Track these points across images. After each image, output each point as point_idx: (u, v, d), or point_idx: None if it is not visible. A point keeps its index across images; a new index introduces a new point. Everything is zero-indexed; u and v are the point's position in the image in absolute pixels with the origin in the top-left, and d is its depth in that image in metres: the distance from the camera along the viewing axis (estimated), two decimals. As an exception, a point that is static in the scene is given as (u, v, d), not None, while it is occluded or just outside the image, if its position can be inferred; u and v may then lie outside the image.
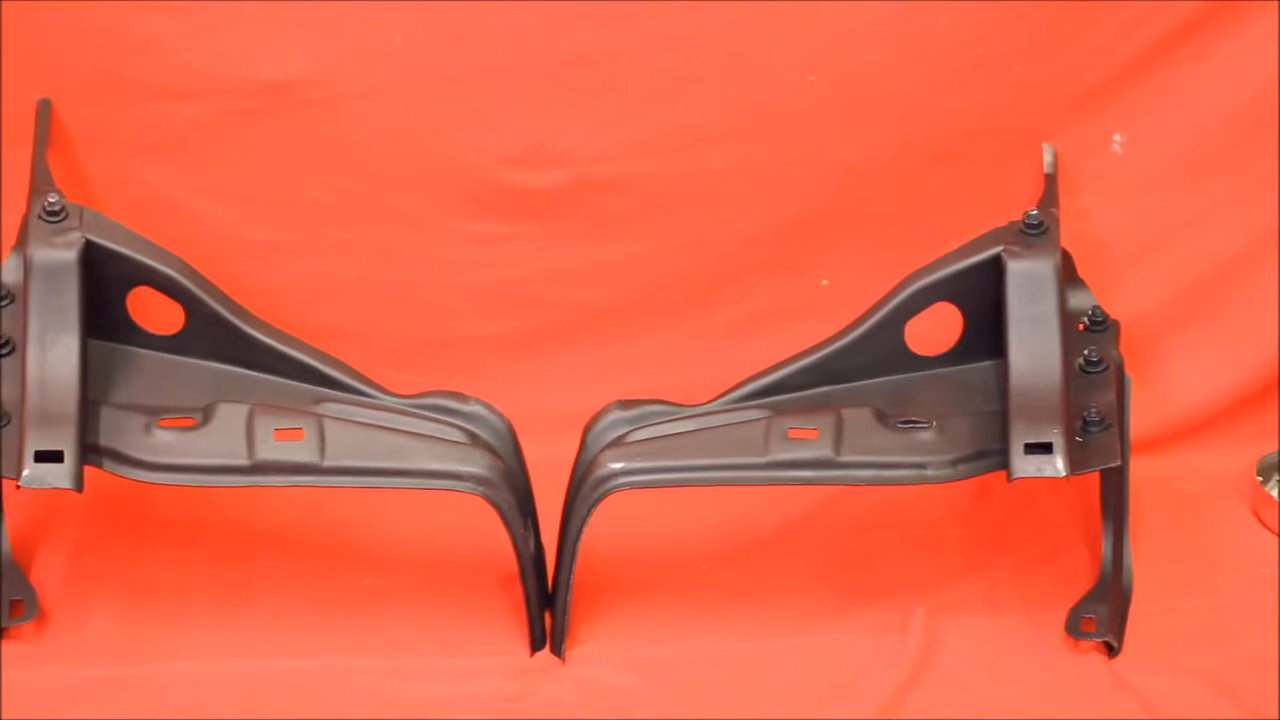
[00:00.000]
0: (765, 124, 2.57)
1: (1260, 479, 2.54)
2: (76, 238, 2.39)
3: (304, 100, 2.54)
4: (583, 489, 2.38)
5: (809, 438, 2.36)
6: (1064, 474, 2.32)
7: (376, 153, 2.57)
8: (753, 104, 2.56)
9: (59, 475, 2.30)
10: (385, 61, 2.54)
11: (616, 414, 2.44)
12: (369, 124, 2.56)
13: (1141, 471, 2.48)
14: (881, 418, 2.39)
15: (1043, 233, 2.43)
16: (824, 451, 2.36)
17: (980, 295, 2.42)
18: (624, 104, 2.56)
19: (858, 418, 2.38)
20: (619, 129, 2.57)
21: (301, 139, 2.56)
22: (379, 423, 2.39)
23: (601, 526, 2.39)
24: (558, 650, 2.40)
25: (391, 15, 2.53)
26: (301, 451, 2.34)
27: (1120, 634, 2.39)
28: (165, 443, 2.35)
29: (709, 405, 2.45)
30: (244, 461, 2.34)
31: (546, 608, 2.41)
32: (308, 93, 2.54)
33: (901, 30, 2.54)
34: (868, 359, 2.45)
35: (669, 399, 2.46)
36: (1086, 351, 2.41)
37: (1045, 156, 2.57)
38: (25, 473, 2.30)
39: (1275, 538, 2.51)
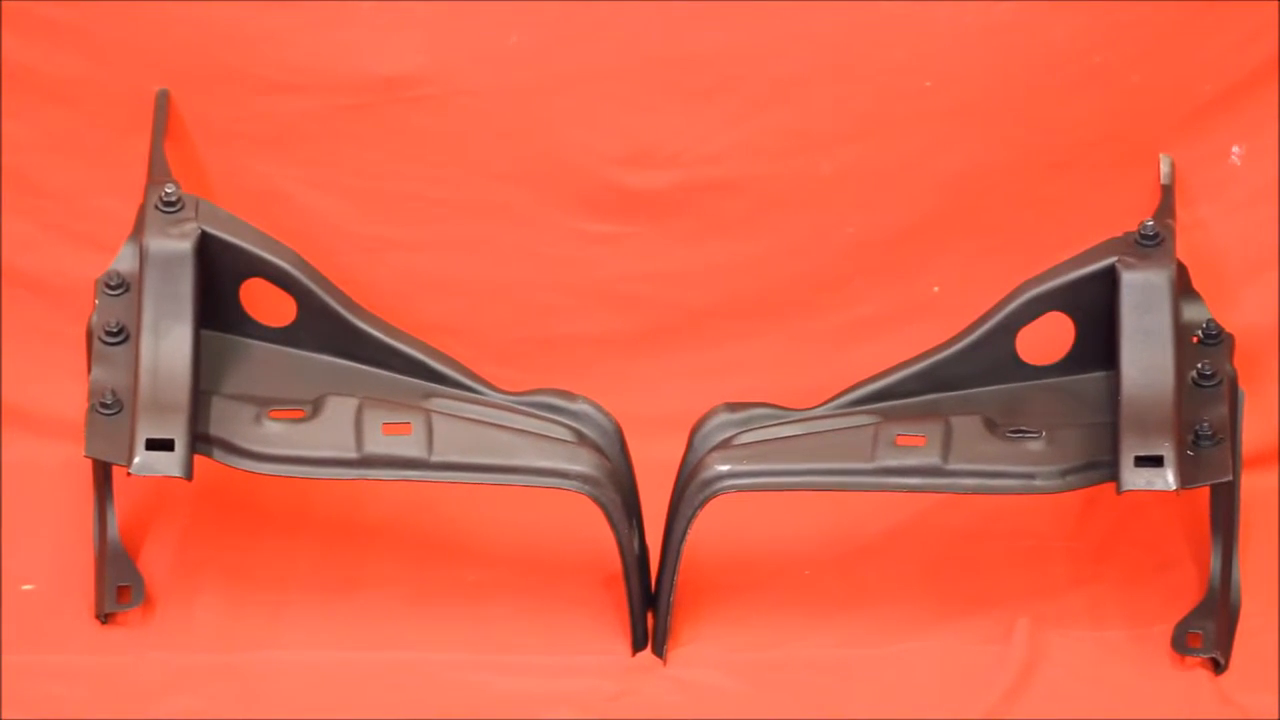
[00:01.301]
0: (878, 128, 2.56)
1: (1373, 497, 2.52)
2: (192, 228, 2.40)
3: (418, 96, 2.55)
4: (688, 490, 2.38)
5: (917, 445, 2.35)
6: (1174, 488, 2.30)
7: (488, 150, 2.58)
8: (866, 108, 2.56)
9: (169, 463, 2.32)
10: (499, 59, 2.55)
11: (724, 416, 2.44)
12: (482, 121, 2.56)
13: (1253, 487, 2.46)
14: (991, 426, 2.38)
15: (1158, 244, 2.41)
16: (932, 459, 2.35)
17: (1093, 305, 2.41)
18: (736, 106, 2.56)
19: (967, 426, 2.37)
20: (731, 131, 2.57)
21: (415, 135, 2.57)
22: (487, 419, 2.40)
23: (706, 528, 2.38)
24: (659, 651, 2.40)
25: (506, 14, 2.53)
26: (409, 446, 2.35)
27: (1228, 651, 2.37)
28: (275, 434, 2.36)
29: (817, 410, 2.44)
30: (352, 454, 2.35)
31: (649, 608, 2.41)
32: (421, 89, 2.55)
33: (1018, 37, 2.53)
34: (978, 367, 2.43)
35: (777, 402, 2.46)
36: (1200, 365, 2.39)
37: (1162, 167, 2.55)
38: (136, 460, 2.32)
39: (1387, 557, 2.49)
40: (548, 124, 2.57)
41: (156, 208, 2.42)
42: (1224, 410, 2.37)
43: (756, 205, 2.59)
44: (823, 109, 2.56)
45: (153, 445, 2.32)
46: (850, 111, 2.56)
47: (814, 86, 2.55)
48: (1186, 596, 2.42)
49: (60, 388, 2.56)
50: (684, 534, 2.37)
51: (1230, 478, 2.34)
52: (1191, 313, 2.42)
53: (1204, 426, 2.35)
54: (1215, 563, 2.41)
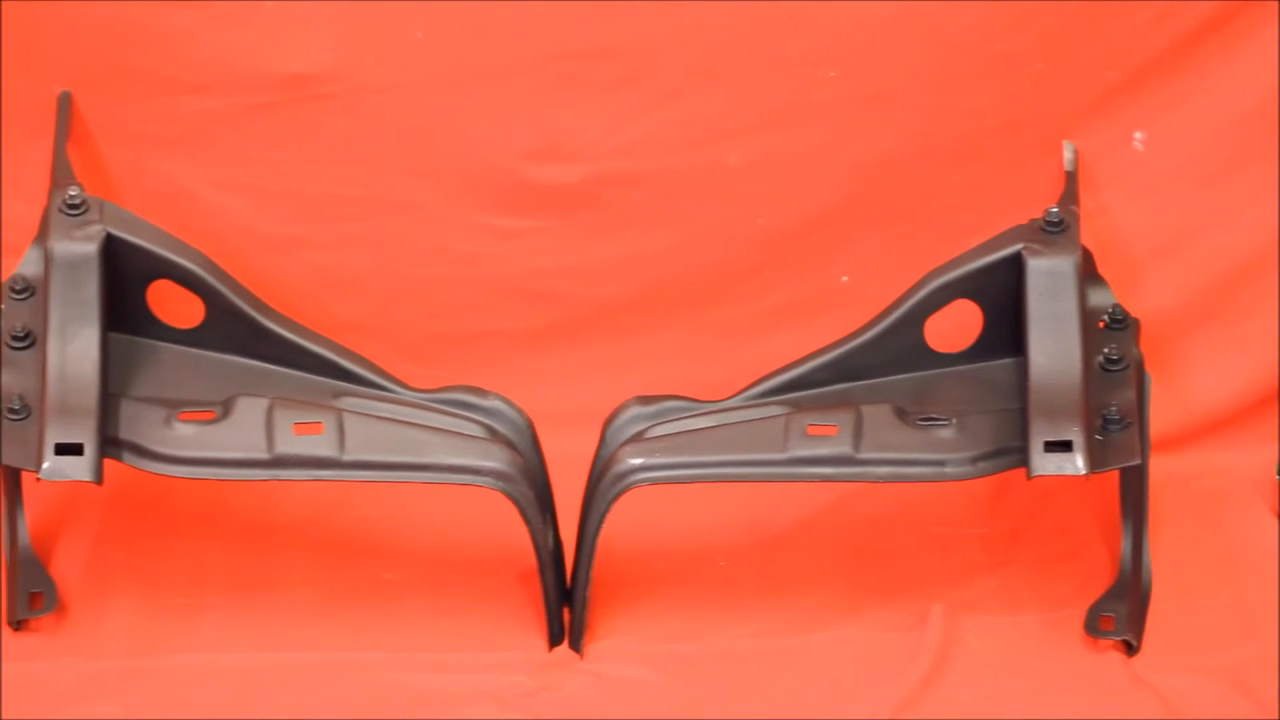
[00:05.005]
0: (785, 119, 2.57)
1: (1280, 477, 2.55)
2: (97, 231, 2.39)
3: (323, 94, 2.55)
4: (602, 484, 2.38)
5: (828, 434, 2.36)
6: (1083, 472, 2.32)
7: (395, 147, 2.57)
8: (772, 99, 2.56)
9: (79, 468, 2.31)
10: (404, 56, 2.54)
11: (636, 409, 2.44)
12: (388, 118, 2.56)
13: (1161, 470, 2.47)
14: (901, 415, 2.39)
15: (1063, 230, 2.43)
16: (843, 448, 2.36)
17: (1000, 292, 2.42)
18: (643, 99, 2.56)
19: (877, 414, 2.38)
20: (638, 124, 2.57)
21: (321, 133, 2.56)
22: (398, 417, 2.39)
23: (620, 522, 2.39)
24: (576, 645, 2.40)
25: (411, 10, 2.53)
26: (321, 445, 2.35)
27: (1139, 632, 2.39)
28: (185, 436, 2.35)
29: (728, 401, 2.45)
30: (263, 455, 2.35)
31: (565, 603, 2.41)
32: (327, 86, 2.54)
33: (922, 26, 2.54)
34: (887, 356, 2.45)
35: (688, 395, 2.46)
36: (1107, 349, 2.41)
37: (1066, 154, 2.57)
38: (45, 465, 2.30)
39: (1294, 536, 2.52)
40: (455, 120, 2.56)
41: (61, 211, 2.40)
42: (1131, 394, 2.39)
43: (665, 197, 2.59)
44: (730, 100, 2.56)
45: (62, 450, 2.31)
46: (757, 103, 2.56)
47: (720, 78, 2.56)
48: (1098, 580, 2.44)
49: (-33, 394, 2.54)
50: (598, 528, 2.37)
51: (1139, 461, 2.36)
52: (1097, 298, 2.44)
53: (1112, 411, 2.37)
54: (1126, 546, 2.43)
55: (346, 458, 2.35)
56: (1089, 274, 2.44)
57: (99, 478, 2.31)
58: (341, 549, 2.50)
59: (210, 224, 2.57)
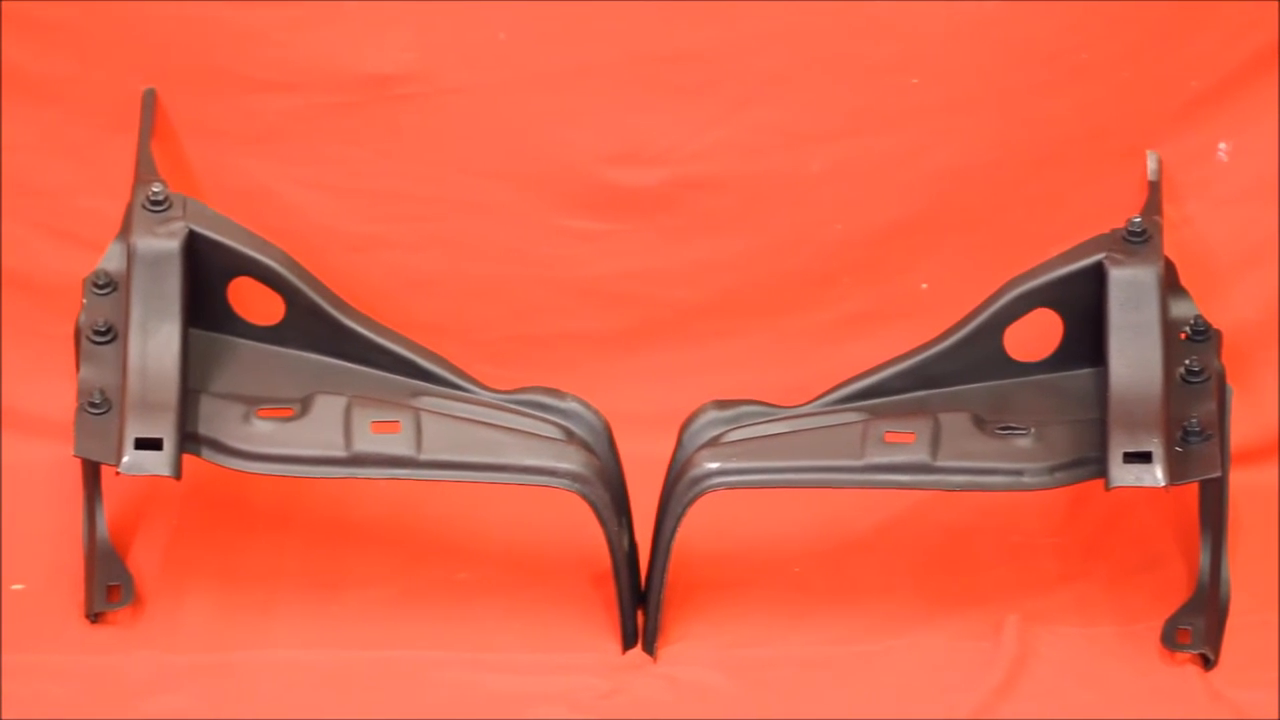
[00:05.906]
0: (866, 125, 2.56)
1: (1361, 493, 2.52)
2: (180, 227, 2.40)
3: (405, 94, 2.55)
4: (678, 488, 2.38)
5: (906, 441, 2.36)
6: (1163, 484, 2.31)
7: (476, 148, 2.57)
8: (853, 105, 2.56)
9: (158, 463, 2.32)
10: (486, 57, 2.55)
11: (713, 414, 2.44)
12: (469, 119, 2.56)
13: (1241, 483, 2.46)
14: (979, 423, 2.38)
15: (1146, 240, 2.42)
16: (920, 456, 2.35)
17: (1081, 302, 2.41)
18: (724, 103, 2.56)
19: (955, 423, 2.37)
20: (719, 128, 2.57)
21: (402, 133, 2.57)
22: (476, 417, 2.40)
23: (696, 526, 2.38)
24: (649, 648, 2.40)
25: (493, 11, 2.53)
26: (398, 444, 2.35)
27: (1217, 646, 2.37)
28: (263, 433, 2.36)
29: (806, 407, 2.45)
30: (341, 453, 2.35)
31: (639, 606, 2.41)
32: (409, 86, 2.55)
33: (1005, 33, 2.53)
34: (966, 364, 2.44)
35: (765, 399, 2.46)
36: (1188, 361, 2.40)
37: (1149, 163, 2.55)
38: (125, 459, 2.32)
39: (1375, 552, 2.49)
40: (535, 121, 2.56)
41: (144, 207, 2.42)
42: (1212, 406, 2.37)
43: (744, 202, 2.59)
44: (810, 106, 2.56)
45: (141, 444, 2.32)
46: (838, 108, 2.56)
47: (801, 83, 2.55)
48: (1175, 593, 2.43)
49: (49, 387, 2.55)
50: (673, 531, 2.37)
51: (1219, 474, 2.35)
52: (1179, 309, 2.43)
53: (1192, 423, 2.35)
54: (1204, 559, 2.41)
55: (423, 457, 2.35)
56: (1171, 285, 2.42)
57: (178, 473, 2.32)
58: (416, 548, 2.51)
59: (290, 222, 2.58)
